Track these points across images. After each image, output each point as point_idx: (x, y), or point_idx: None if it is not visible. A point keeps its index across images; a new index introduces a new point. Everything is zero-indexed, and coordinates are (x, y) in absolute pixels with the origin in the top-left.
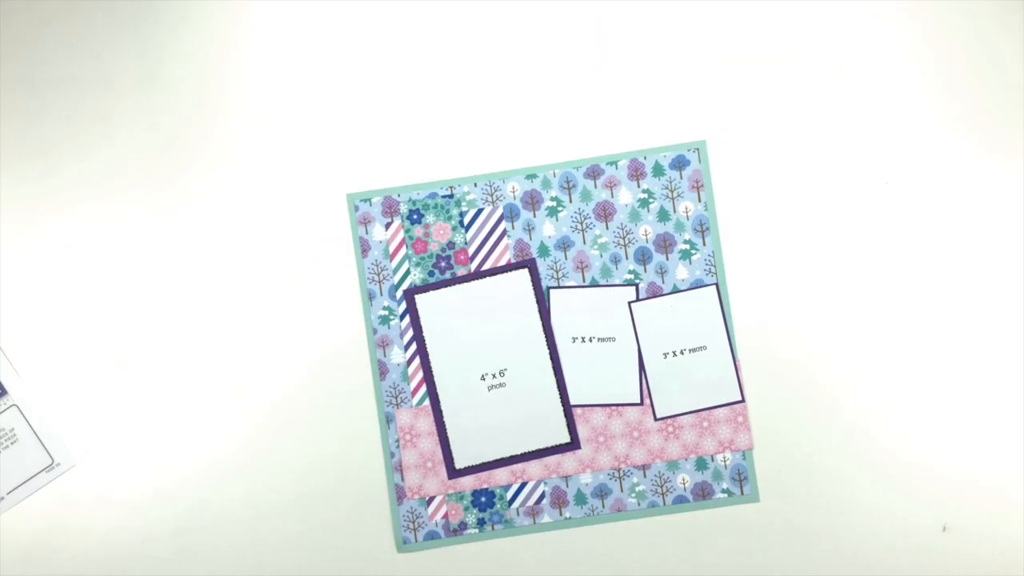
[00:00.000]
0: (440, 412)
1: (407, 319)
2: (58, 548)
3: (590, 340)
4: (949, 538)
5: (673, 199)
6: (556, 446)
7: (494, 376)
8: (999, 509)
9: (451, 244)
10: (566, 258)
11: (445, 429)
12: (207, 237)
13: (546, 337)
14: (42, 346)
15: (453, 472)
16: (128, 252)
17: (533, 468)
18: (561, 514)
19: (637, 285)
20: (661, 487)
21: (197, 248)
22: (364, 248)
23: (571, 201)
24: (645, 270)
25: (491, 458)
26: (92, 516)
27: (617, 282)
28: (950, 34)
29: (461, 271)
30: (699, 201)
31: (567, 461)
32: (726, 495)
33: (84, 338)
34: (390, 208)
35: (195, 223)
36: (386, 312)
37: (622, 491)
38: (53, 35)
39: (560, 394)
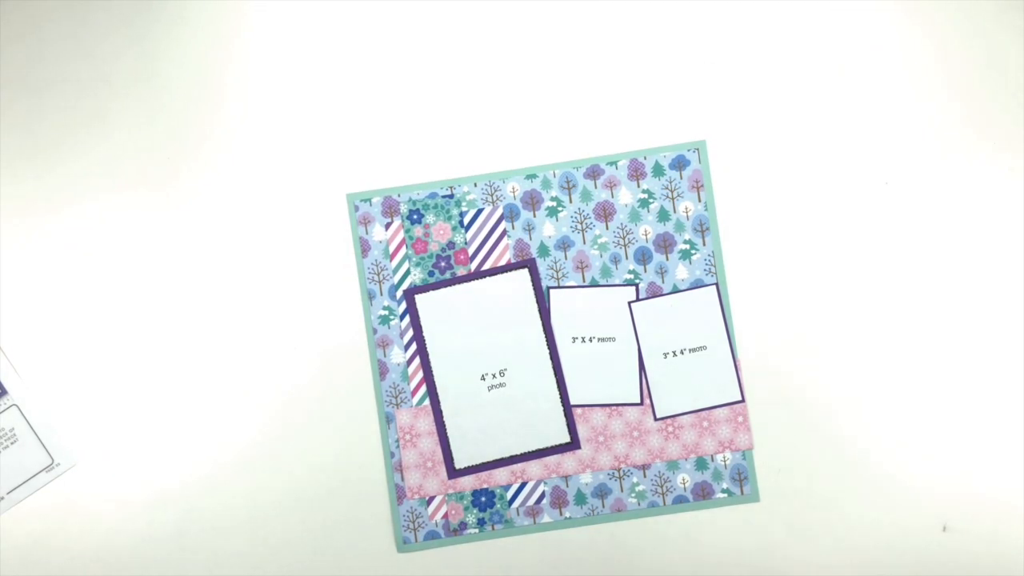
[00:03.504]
0: (440, 412)
1: (407, 319)
2: (58, 548)
3: (590, 340)
4: (949, 538)
5: (673, 199)
6: (556, 446)
7: (494, 376)
8: (999, 509)
9: (451, 244)
10: (566, 258)
11: (445, 429)
12: (206, 237)
13: (546, 337)
14: (42, 346)
15: (453, 472)
16: (128, 252)
17: (533, 468)
18: (561, 514)
19: (637, 285)
20: (661, 487)
21: (196, 248)
22: (364, 248)
23: (571, 201)
24: (645, 270)
25: (491, 458)
26: (92, 516)
27: (617, 282)
28: (950, 34)
29: (461, 271)
30: (699, 201)
31: (567, 461)
32: (726, 495)
33: (84, 338)
34: (390, 208)
35: (194, 223)
36: (386, 312)
37: (622, 491)
38: (52, 35)
39: (560, 394)
